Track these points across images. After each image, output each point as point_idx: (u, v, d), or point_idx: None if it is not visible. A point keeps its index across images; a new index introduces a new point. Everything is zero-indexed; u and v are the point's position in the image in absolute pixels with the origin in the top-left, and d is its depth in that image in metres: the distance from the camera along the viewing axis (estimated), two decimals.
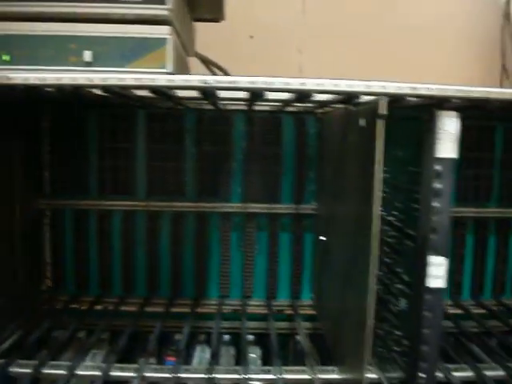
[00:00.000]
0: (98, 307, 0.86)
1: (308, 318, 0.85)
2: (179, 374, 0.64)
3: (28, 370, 0.64)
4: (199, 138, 0.85)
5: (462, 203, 0.88)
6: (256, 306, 0.87)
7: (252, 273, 0.88)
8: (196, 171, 0.86)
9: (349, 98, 0.56)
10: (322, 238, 0.79)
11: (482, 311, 0.88)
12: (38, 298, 0.86)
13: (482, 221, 0.90)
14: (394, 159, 0.61)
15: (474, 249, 0.90)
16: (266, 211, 0.86)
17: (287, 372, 0.66)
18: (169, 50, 0.57)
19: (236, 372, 0.65)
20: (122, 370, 0.65)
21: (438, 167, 0.52)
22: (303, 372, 0.66)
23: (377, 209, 0.53)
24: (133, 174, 0.86)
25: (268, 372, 0.65)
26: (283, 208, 0.86)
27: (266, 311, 0.86)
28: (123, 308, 0.85)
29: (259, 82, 0.50)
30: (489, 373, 0.67)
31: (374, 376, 0.62)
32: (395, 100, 0.52)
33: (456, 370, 0.67)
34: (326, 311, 0.78)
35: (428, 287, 0.53)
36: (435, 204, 0.52)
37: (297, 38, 1.49)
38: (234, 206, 0.86)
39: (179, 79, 0.50)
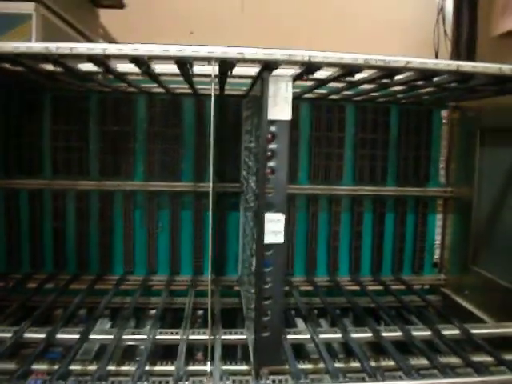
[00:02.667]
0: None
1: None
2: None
3: None
4: (102, 119, 0.88)
5: (359, 182, 0.92)
6: (160, 281, 0.89)
7: (155, 250, 0.90)
8: (99, 151, 0.88)
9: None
10: None
11: (380, 287, 0.91)
12: None
13: (379, 199, 0.93)
14: (254, 128, 0.65)
15: (372, 226, 0.93)
16: (167, 189, 0.89)
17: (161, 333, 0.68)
18: (34, 25, 0.60)
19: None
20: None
21: (272, 129, 0.55)
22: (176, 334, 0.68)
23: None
24: (38, 153, 0.88)
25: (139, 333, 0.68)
26: (184, 186, 0.89)
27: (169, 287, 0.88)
28: (29, 284, 0.87)
29: (142, 49, 0.53)
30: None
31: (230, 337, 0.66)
32: (227, 66, 0.55)
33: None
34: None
35: (266, 243, 0.56)
36: (271, 164, 0.55)
37: (236, 34, 1.53)
38: (136, 185, 0.89)
39: (38, 46, 0.52)
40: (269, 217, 0.56)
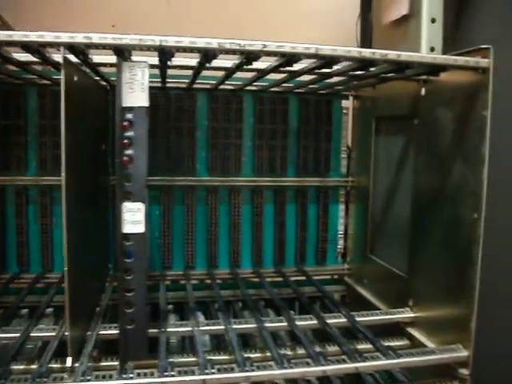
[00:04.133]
0: None
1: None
2: None
3: None
4: None
5: (259, 173, 0.91)
6: (55, 278, 0.87)
7: (50, 246, 0.88)
8: None
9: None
10: None
11: (280, 279, 0.91)
12: None
13: (279, 190, 0.92)
14: None
15: (273, 217, 0.93)
16: (58, 183, 0.86)
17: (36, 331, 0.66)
18: None
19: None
20: None
21: (128, 116, 0.54)
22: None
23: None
24: None
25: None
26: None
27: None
28: None
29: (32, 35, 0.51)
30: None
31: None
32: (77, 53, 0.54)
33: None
34: None
35: (125, 233, 0.55)
36: (129, 152, 0.54)
37: (162, 27, 1.51)
38: (28, 180, 0.86)
39: None
40: (127, 206, 0.54)
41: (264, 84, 0.85)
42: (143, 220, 0.55)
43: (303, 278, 0.93)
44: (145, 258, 0.56)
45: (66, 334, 0.63)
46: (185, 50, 0.53)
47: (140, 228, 0.55)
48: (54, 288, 0.82)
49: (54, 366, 0.59)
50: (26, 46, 0.52)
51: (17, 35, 0.51)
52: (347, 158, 0.96)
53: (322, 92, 0.91)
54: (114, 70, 0.70)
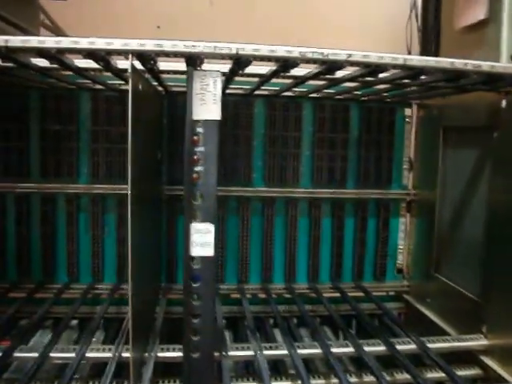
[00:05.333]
0: None
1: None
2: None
3: None
4: (43, 117, 0.82)
5: (317, 185, 0.87)
6: (106, 289, 0.84)
7: (101, 256, 0.85)
8: (40, 151, 0.83)
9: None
10: None
11: (337, 295, 0.87)
12: None
13: (338, 202, 0.88)
14: None
15: (331, 231, 0.89)
16: (112, 192, 0.84)
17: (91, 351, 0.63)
18: None
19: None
20: None
21: (198, 130, 0.50)
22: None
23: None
24: None
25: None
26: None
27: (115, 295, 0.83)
28: None
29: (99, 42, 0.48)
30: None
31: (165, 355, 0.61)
32: (145, 60, 0.50)
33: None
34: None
35: (193, 255, 0.51)
36: (199, 168, 0.51)
37: (206, 28, 1.48)
38: (79, 187, 0.83)
39: None
40: (196, 227, 0.51)
41: (329, 91, 0.81)
42: (212, 242, 0.51)
43: (360, 294, 0.88)
44: (213, 283, 0.52)
45: (124, 355, 0.60)
46: (262, 58, 0.49)
47: (209, 251, 0.51)
48: (107, 300, 0.79)
49: None
50: (92, 54, 0.49)
51: (83, 42, 0.48)
52: (409, 169, 0.91)
53: (385, 100, 0.86)
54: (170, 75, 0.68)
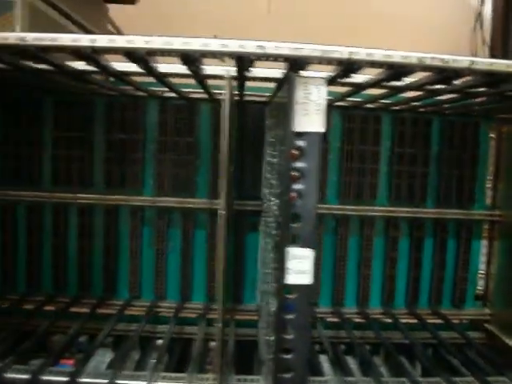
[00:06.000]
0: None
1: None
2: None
3: None
4: (108, 126, 0.79)
5: (395, 203, 0.81)
6: (168, 308, 0.80)
7: (164, 272, 0.81)
8: (104, 161, 0.79)
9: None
10: None
11: (415, 321, 0.81)
12: None
13: (417, 222, 0.82)
14: (279, 140, 0.55)
15: (408, 252, 0.83)
16: (179, 205, 0.79)
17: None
18: (17, 14, 0.51)
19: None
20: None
21: (299, 143, 0.45)
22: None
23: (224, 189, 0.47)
24: (38, 162, 0.79)
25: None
26: (198, 203, 0.79)
27: (180, 314, 0.78)
28: (26, 306, 0.78)
29: (138, 41, 0.43)
30: None
31: None
32: (244, 63, 0.46)
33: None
34: None
35: (289, 284, 0.46)
36: (298, 186, 0.45)
37: (263, 36, 1.44)
38: (144, 200, 0.79)
39: (13, 36, 0.43)
40: (293, 252, 0.46)
41: (403, 104, 0.76)
42: (311, 270, 0.46)
43: (437, 321, 0.82)
44: (309, 314, 0.47)
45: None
46: (374, 64, 0.44)
47: (306, 279, 0.46)
48: (173, 319, 0.74)
49: None
50: (186, 56, 0.45)
51: (177, 42, 0.43)
52: (492, 189, 0.84)
53: (468, 113, 0.80)
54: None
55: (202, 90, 0.74)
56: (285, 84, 0.47)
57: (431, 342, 0.78)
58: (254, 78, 0.59)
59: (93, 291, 0.81)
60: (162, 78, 0.60)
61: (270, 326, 0.53)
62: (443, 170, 0.82)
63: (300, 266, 0.46)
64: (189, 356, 0.73)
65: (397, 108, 0.79)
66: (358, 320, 0.82)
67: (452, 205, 0.82)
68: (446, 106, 0.74)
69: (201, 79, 0.58)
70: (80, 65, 0.55)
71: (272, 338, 0.50)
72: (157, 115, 0.79)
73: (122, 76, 0.59)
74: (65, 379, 0.57)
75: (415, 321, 0.81)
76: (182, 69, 0.52)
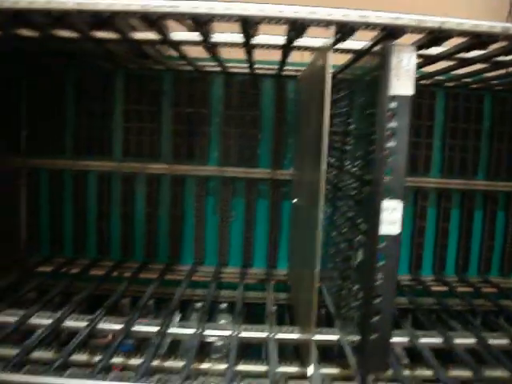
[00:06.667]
0: (73, 270, 0.83)
1: (283, 287, 0.82)
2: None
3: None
4: (176, 100, 0.83)
5: (447, 175, 0.85)
6: (231, 273, 0.84)
7: (227, 239, 0.85)
8: (172, 133, 0.83)
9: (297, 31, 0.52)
10: (293, 201, 0.76)
11: (467, 289, 0.84)
12: (11, 258, 0.84)
13: (468, 194, 0.86)
14: (358, 109, 0.59)
15: (459, 223, 0.87)
16: (242, 176, 0.84)
17: (246, 330, 0.63)
18: None
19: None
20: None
21: (392, 105, 0.49)
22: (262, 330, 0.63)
23: (324, 159, 0.50)
24: (109, 134, 0.84)
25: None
26: (261, 173, 0.84)
27: (240, 280, 0.82)
28: (95, 272, 0.82)
29: (202, 6, 0.47)
30: (459, 340, 0.64)
31: (322, 337, 0.60)
32: (346, 32, 0.49)
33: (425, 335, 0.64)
34: (292, 278, 0.76)
35: (381, 234, 0.50)
36: (390, 144, 0.49)
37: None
38: (210, 170, 0.84)
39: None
40: (385, 205, 0.50)
41: (456, 81, 0.79)
42: (399, 220, 0.50)
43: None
44: (397, 262, 0.51)
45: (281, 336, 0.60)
46: (461, 33, 0.48)
47: (395, 229, 0.50)
48: (241, 284, 0.79)
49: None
50: (294, 25, 0.48)
51: (287, 10, 0.47)
52: None
53: None
54: None
55: (266, 66, 0.78)
56: (375, 53, 0.51)
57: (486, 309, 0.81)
58: (343, 50, 0.62)
59: (159, 258, 0.85)
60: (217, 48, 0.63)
61: (353, 277, 0.57)
62: (494, 145, 0.85)
63: (391, 216, 0.50)
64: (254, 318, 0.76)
65: (450, 85, 0.83)
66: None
67: (502, 178, 0.86)
68: (495, 82, 0.78)
69: (288, 51, 0.62)
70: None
71: (355, 288, 0.55)
72: (222, 90, 0.83)
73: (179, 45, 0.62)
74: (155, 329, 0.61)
75: (469, 289, 0.84)
76: (280, 40, 0.56)
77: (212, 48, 0.63)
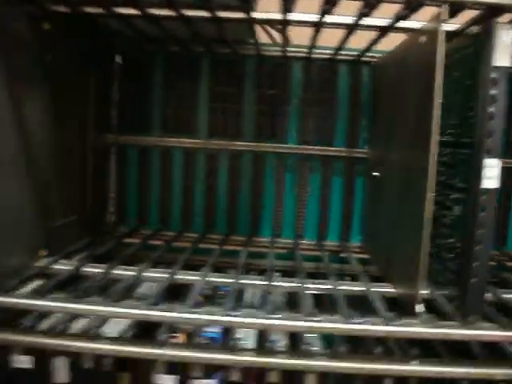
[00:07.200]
0: (157, 242, 0.89)
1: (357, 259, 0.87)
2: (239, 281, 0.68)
3: (100, 270, 0.68)
4: (259, 82, 0.90)
5: None
6: (307, 245, 0.90)
7: (303, 214, 0.91)
8: (255, 113, 0.90)
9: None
10: (374, 174, 0.82)
11: None
12: (100, 229, 0.91)
13: None
14: (449, 82, 0.65)
15: None
16: (319, 153, 0.90)
17: (343, 285, 0.69)
18: None
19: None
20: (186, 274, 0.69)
21: (494, 75, 0.55)
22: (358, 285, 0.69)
23: (436, 128, 0.56)
24: (195, 114, 0.91)
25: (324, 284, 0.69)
26: (336, 151, 0.90)
27: (316, 252, 0.88)
28: (178, 244, 0.88)
29: None
30: None
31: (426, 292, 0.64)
32: (456, 9, 0.56)
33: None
34: (378, 245, 0.81)
35: (483, 188, 0.56)
36: (491, 109, 0.56)
37: None
38: (289, 147, 0.90)
39: None
40: (486, 162, 0.56)
41: None
42: (497, 176, 0.56)
43: None
44: (493, 215, 0.57)
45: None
46: None
47: (494, 183, 0.56)
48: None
49: None
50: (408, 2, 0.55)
51: None
52: None
53: None
54: None
55: (344, 53, 0.85)
56: (477, 31, 0.57)
57: None
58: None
59: (240, 230, 0.92)
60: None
61: (446, 233, 0.63)
62: None
63: (490, 173, 0.56)
64: None
65: None
66: None
67: None
68: None
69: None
70: None
71: (450, 241, 0.61)
72: (301, 74, 0.90)
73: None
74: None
75: None
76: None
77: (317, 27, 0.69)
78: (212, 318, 0.56)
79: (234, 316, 0.57)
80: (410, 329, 0.56)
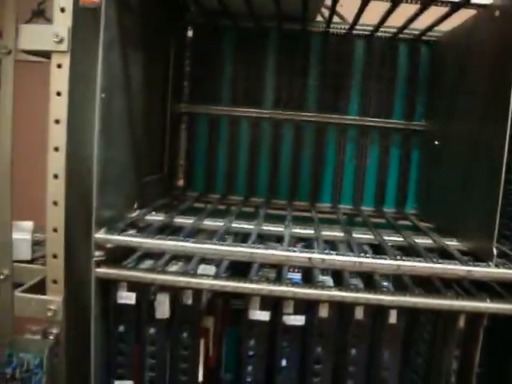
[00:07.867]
0: (222, 207, 0.95)
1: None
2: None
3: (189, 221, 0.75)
4: (324, 58, 0.95)
5: None
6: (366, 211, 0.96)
7: (363, 182, 0.97)
8: (318, 87, 0.96)
9: None
10: (436, 142, 0.87)
11: None
12: (172, 192, 0.97)
13: None
14: None
15: None
16: (379, 125, 0.95)
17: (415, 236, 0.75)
18: None
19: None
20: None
21: None
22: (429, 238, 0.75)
23: None
24: (262, 85, 0.97)
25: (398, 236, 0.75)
26: (395, 123, 0.95)
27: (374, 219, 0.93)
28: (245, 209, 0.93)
29: None
30: None
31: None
32: None
33: None
34: (439, 208, 0.86)
35: None
36: None
37: None
38: (350, 119, 0.96)
39: None
40: None
41: None
42: None
43: None
44: None
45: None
46: None
47: None
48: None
49: None
50: None
51: None
52: None
53: None
54: None
55: (405, 31, 0.90)
56: None
57: None
58: None
59: (301, 197, 0.98)
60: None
61: None
62: None
63: None
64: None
65: None
66: None
67: None
68: None
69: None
70: None
71: None
72: (363, 51, 0.95)
73: None
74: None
75: None
76: None
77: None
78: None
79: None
80: (488, 269, 0.61)
